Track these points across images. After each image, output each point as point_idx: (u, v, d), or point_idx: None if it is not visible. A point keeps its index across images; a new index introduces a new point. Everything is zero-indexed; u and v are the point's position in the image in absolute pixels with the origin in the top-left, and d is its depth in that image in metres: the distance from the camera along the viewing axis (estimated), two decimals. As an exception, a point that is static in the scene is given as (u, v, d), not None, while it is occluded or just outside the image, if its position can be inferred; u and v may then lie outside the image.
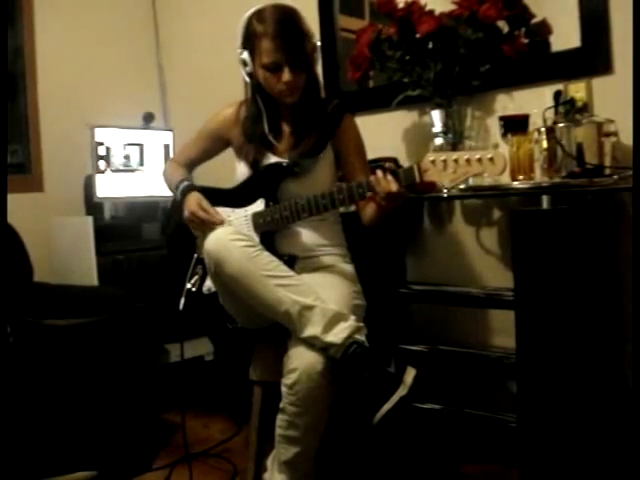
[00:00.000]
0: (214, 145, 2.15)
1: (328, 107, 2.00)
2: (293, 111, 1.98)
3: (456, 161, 1.60)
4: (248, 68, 1.91)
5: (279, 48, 1.82)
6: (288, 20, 1.86)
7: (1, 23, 2.85)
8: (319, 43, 1.96)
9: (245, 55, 1.90)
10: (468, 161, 1.59)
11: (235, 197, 2.03)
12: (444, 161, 1.61)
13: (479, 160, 1.58)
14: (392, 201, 1.72)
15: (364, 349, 1.67)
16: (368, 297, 1.95)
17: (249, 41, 1.89)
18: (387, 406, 1.65)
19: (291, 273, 1.80)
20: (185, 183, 2.03)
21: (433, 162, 1.63)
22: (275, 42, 1.82)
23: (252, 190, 2.00)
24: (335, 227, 2.05)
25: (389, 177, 1.69)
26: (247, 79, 1.96)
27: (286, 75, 1.85)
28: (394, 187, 1.68)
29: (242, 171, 2.04)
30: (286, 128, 2.01)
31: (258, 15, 1.87)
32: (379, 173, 1.70)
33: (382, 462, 2.17)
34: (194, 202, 1.96)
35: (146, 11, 3.62)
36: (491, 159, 1.57)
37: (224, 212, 2.01)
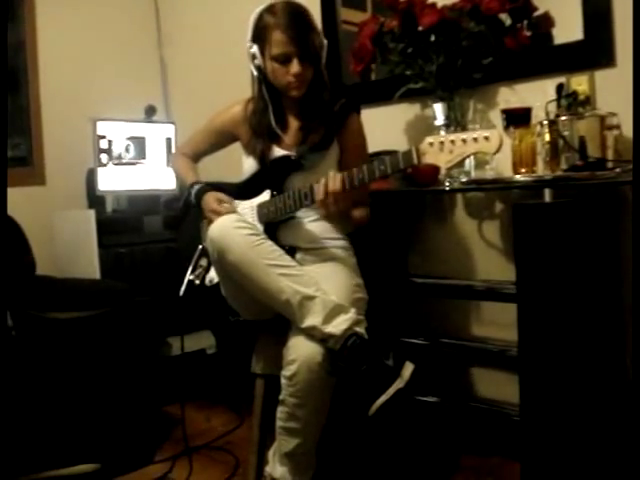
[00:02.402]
0: (221, 140, 2.18)
1: (335, 105, 2.01)
2: (301, 106, 2.00)
3: (453, 142, 1.61)
4: (257, 61, 1.93)
5: (290, 39, 1.86)
6: (299, 14, 1.90)
7: (2, 17, 2.85)
8: (325, 41, 1.97)
9: (255, 49, 1.93)
10: (464, 141, 1.60)
11: (243, 190, 2.05)
12: (441, 143, 1.62)
13: (475, 139, 1.59)
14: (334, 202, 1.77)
15: (363, 341, 1.68)
16: (370, 290, 1.95)
17: (260, 34, 1.91)
18: (383, 398, 1.65)
19: (293, 263, 1.81)
20: (197, 187, 2.05)
21: (431, 144, 1.63)
22: (286, 33, 1.86)
23: (259, 183, 2.02)
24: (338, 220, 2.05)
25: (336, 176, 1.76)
26: (255, 72, 1.98)
27: (295, 67, 1.88)
28: (339, 185, 1.75)
29: (250, 165, 2.06)
30: (293, 122, 2.03)
31: (269, 9, 1.91)
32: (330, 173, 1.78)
33: (381, 454, 2.18)
34: (213, 200, 1.97)
35: (148, 4, 3.62)
36: (487, 137, 1.57)
37: None
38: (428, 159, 1.64)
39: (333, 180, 1.75)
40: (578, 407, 1.73)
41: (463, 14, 2.13)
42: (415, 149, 1.65)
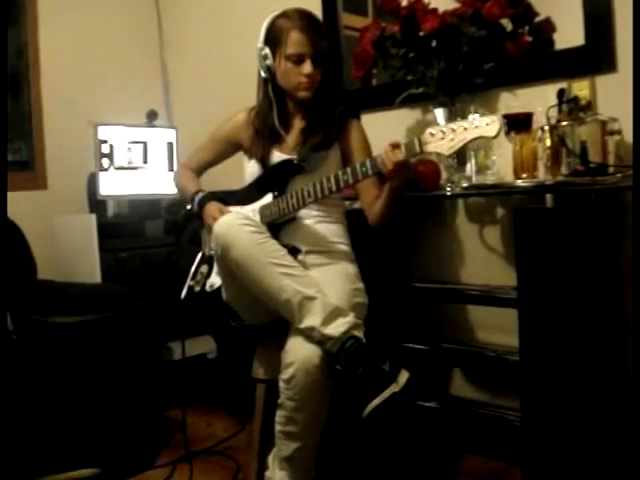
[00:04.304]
0: (226, 149, 2.21)
1: (335, 112, 2.05)
2: (306, 108, 2.04)
3: (454, 130, 1.67)
4: (268, 61, 1.98)
5: (306, 40, 1.93)
6: (313, 18, 2.00)
7: (1, 20, 2.85)
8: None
9: (267, 50, 1.98)
10: (465, 128, 1.66)
11: (245, 196, 2.07)
12: (442, 131, 1.69)
13: (475, 126, 1.65)
14: (398, 173, 1.77)
15: (361, 345, 1.68)
16: (372, 295, 1.95)
17: (274, 36, 1.97)
18: (377, 400, 1.65)
19: (296, 264, 1.82)
20: (200, 195, 2.08)
21: (432, 134, 1.70)
22: (304, 34, 1.93)
23: (261, 187, 2.04)
24: (340, 225, 2.07)
25: (396, 150, 1.75)
26: (264, 74, 2.02)
27: (308, 67, 1.94)
28: (400, 156, 1.73)
29: (252, 170, 2.08)
30: (296, 124, 2.06)
31: (283, 15, 1.98)
32: (387, 147, 1.76)
33: (381, 459, 2.18)
34: (216, 210, 1.99)
35: (150, 9, 3.63)
36: (487, 123, 1.64)
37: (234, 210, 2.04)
38: (430, 148, 1.70)
39: (392, 152, 1.75)
40: (579, 412, 1.73)
41: (464, 19, 2.13)
42: (417, 139, 1.71)
